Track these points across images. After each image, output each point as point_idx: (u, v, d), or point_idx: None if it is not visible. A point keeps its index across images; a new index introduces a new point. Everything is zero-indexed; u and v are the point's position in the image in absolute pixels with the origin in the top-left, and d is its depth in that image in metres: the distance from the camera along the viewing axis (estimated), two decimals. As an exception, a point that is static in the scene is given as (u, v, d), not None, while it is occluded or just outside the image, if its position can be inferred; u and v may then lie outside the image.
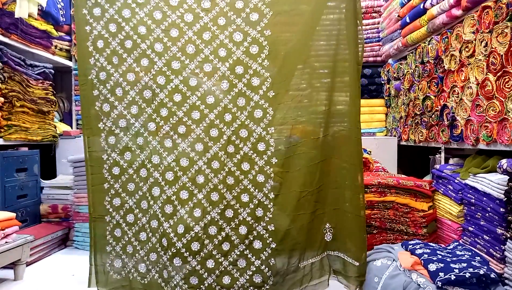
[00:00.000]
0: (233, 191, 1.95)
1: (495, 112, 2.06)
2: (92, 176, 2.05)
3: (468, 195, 2.15)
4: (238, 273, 1.90)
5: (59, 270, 2.66)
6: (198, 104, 1.96)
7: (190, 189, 1.96)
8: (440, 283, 1.76)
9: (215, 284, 1.92)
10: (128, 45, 1.98)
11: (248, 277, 1.90)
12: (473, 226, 2.12)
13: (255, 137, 1.95)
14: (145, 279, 2.02)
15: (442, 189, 2.43)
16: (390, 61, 3.90)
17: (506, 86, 1.98)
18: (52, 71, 3.62)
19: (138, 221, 2.02)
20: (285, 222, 1.93)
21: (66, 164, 3.32)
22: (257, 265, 1.90)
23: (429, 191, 2.47)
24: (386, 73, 4.01)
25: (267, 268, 1.91)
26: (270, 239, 1.92)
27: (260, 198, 1.94)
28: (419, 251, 2.02)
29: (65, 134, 3.76)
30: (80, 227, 3.10)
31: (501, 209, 1.87)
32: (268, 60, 1.95)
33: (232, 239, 1.94)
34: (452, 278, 1.75)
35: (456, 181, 2.28)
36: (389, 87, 3.97)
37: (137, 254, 2.03)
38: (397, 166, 3.68)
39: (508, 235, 1.83)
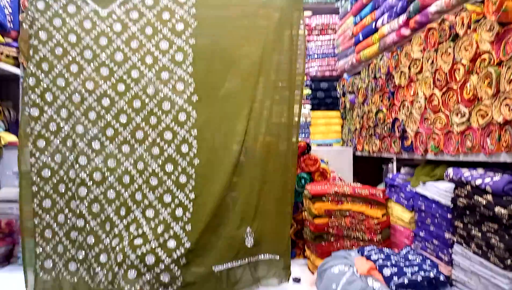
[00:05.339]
0: (156, 191, 2.02)
1: (442, 124, 2.22)
2: (21, 181, 2.08)
3: (419, 202, 2.28)
4: (145, 269, 1.89)
5: (2, 288, 2.46)
6: (125, 109, 2.06)
7: (117, 189, 2.02)
8: (394, 287, 1.84)
9: (121, 279, 1.91)
10: (59, 52, 2.05)
11: (155, 274, 1.89)
12: (423, 232, 2.24)
13: (179, 139, 2.04)
14: (74, 278, 2.04)
15: (394, 197, 2.56)
16: (345, 75, 4.08)
17: (451, 101, 2.14)
18: (-3, 79, 3.39)
19: (68, 221, 2.06)
20: (202, 222, 1.97)
21: (11, 176, 3.10)
22: (166, 264, 1.90)
23: (383, 199, 2.59)
24: (341, 87, 4.18)
25: (176, 267, 1.91)
26: (186, 238, 1.95)
27: (181, 198, 2.01)
28: (374, 257, 2.10)
29: (10, 145, 3.52)
30: (26, 243, 2.90)
31: (449, 215, 2.00)
32: (193, 67, 2.07)
33: (147, 234, 1.96)
34: (406, 282, 1.84)
35: (407, 189, 2.40)
36: (344, 100, 4.13)
37: (67, 253, 2.06)
38: (353, 175, 3.82)
39: (455, 239, 1.96)
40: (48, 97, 2.06)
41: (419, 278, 1.85)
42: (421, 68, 2.45)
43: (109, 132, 2.05)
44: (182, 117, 2.05)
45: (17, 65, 3.93)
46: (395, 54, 2.82)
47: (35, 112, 2.06)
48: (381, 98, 3.10)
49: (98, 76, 2.06)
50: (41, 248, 2.07)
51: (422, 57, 2.43)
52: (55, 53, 2.05)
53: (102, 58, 2.06)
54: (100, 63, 2.06)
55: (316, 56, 4.41)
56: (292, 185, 2.12)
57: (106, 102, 2.05)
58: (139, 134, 2.05)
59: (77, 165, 2.03)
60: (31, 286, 2.07)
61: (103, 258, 1.98)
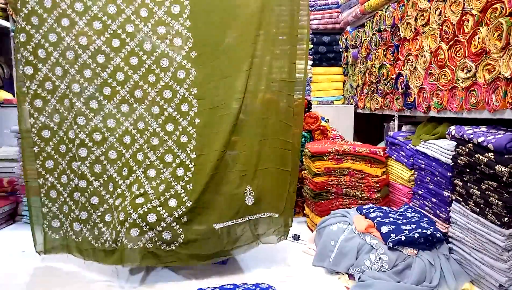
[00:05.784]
0: (157, 151, 2.01)
1: (446, 80, 2.14)
2: (23, 141, 2.05)
3: (419, 160, 2.25)
4: (148, 227, 1.91)
5: (8, 246, 2.53)
6: (122, 66, 1.98)
7: (118, 149, 2.01)
8: (392, 244, 1.86)
9: (124, 237, 1.93)
10: (48, 5, 1.96)
11: (157, 232, 1.91)
12: (422, 190, 2.23)
13: (179, 98, 1.99)
14: (79, 238, 2.08)
15: (395, 155, 2.53)
16: (348, 28, 3.91)
17: (457, 55, 2.04)
18: (-14, 33, 3.26)
19: (71, 182, 2.06)
20: (203, 182, 1.96)
21: (9, 134, 3.07)
22: (168, 222, 1.92)
23: (383, 158, 2.57)
24: (344, 41, 4.03)
25: (178, 225, 1.93)
26: (186, 197, 1.95)
27: (182, 158, 1.99)
28: (372, 215, 2.12)
29: (6, 102, 3.46)
30: (29, 201, 2.93)
31: (448, 173, 1.98)
32: (191, 21, 1.97)
33: (148, 194, 1.97)
34: (403, 239, 1.86)
35: (408, 147, 2.37)
36: (347, 55, 4.00)
37: (72, 213, 2.09)
38: (354, 133, 3.78)
39: (453, 197, 1.95)
40: (41, 54, 1.98)
41: (416, 235, 1.86)
42: (428, 19, 2.32)
43: (107, 90, 1.98)
44: (181, 74, 1.98)
45: (6, 17, 3.77)
46: (402, 4, 2.67)
47: (29, 70, 1.99)
48: (385, 53, 2.98)
49: (91, 30, 1.96)
50: (47, 208, 2.10)
51: (430, 8, 2.30)
52: (44, 6, 1.95)
53: (94, 11, 1.95)
54: (92, 16, 1.95)
55: (317, 8, 4.20)
56: (295, 144, 2.08)
57: (101, 58, 1.97)
58: (138, 93, 1.99)
59: (76, 125, 2.00)
60: (40, 244, 2.12)
61: (108, 217, 2.01)
